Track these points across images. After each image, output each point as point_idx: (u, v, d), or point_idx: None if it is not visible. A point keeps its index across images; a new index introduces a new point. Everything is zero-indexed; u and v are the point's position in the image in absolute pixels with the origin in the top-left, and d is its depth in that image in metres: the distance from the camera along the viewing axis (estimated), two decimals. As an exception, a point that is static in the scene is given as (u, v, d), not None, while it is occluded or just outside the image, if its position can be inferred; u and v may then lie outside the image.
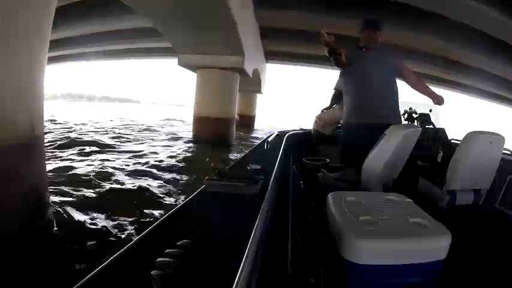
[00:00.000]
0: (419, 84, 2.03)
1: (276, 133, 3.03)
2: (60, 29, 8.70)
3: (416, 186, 1.62)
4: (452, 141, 2.18)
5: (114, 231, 2.75)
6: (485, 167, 1.41)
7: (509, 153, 1.72)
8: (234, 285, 0.41)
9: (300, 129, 3.63)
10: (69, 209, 3.02)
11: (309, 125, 3.72)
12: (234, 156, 7.20)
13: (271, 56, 14.17)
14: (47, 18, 2.20)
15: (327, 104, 3.15)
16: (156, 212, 3.23)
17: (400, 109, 2.06)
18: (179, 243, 0.60)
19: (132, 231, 2.80)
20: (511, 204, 1.52)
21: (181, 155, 6.67)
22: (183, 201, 0.97)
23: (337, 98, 3.01)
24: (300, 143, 3.07)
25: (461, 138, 1.46)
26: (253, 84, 14.37)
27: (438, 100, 1.90)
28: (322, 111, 3.16)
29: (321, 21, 8.59)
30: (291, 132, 3.22)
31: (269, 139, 2.50)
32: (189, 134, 10.00)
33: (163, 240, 0.62)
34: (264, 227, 0.68)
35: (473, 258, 1.09)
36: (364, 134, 1.73)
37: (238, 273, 0.44)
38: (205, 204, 0.95)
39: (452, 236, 0.76)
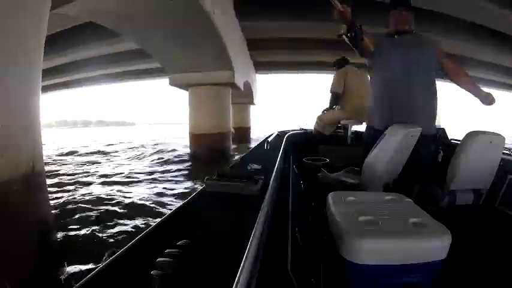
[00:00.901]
0: (463, 76, 1.55)
1: (276, 133, 3.03)
2: (48, 58, 8.76)
3: (416, 186, 1.62)
4: (452, 141, 2.18)
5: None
6: (485, 167, 1.41)
7: (509, 153, 1.72)
8: (234, 285, 0.41)
9: (300, 129, 3.64)
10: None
11: (308, 125, 3.74)
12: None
13: (260, 66, 14.31)
14: (38, 47, 2.13)
15: (325, 106, 3.16)
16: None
17: None
18: (179, 243, 0.60)
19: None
20: (511, 204, 1.52)
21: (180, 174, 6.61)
22: (183, 201, 0.97)
23: (335, 100, 3.02)
24: (300, 143, 3.07)
25: (461, 138, 1.46)
26: (245, 96, 14.44)
27: (489, 100, 1.47)
28: (322, 112, 3.17)
29: (306, 27, 8.69)
30: (291, 132, 3.23)
31: (269, 139, 2.50)
32: (184, 150, 10.00)
33: (163, 240, 0.62)
34: (264, 227, 0.68)
35: (473, 258, 1.09)
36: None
37: (238, 273, 0.44)
38: (205, 204, 0.95)
39: (452, 236, 0.76)
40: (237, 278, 0.42)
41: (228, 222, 0.79)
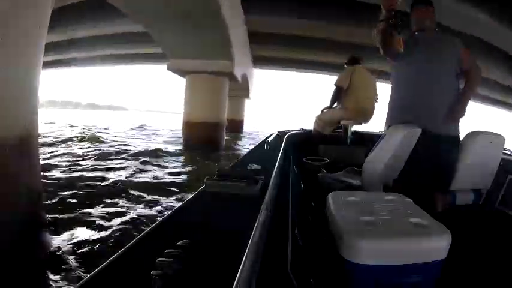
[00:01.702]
0: (477, 84, 1.50)
1: (276, 133, 3.03)
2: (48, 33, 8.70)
3: (416, 186, 1.61)
4: None
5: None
6: (485, 167, 1.41)
7: (509, 153, 1.72)
8: (234, 285, 0.41)
9: (300, 129, 3.64)
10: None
11: (307, 125, 3.73)
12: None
13: (259, 61, 14.28)
14: (43, 24, 2.26)
15: (324, 105, 3.15)
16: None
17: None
18: (179, 243, 0.60)
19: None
20: (511, 204, 1.52)
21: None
22: (183, 201, 0.96)
23: (337, 94, 2.98)
24: (300, 143, 3.07)
25: (461, 138, 1.46)
26: (241, 89, 14.52)
27: (457, 116, 1.47)
28: (322, 111, 3.16)
29: (310, 25, 8.66)
30: (291, 132, 3.22)
31: (269, 139, 2.49)
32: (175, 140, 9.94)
33: (163, 240, 0.62)
34: (264, 227, 0.68)
35: (474, 258, 1.09)
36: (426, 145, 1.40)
37: (238, 273, 0.44)
38: (205, 204, 0.95)
39: (452, 236, 0.76)
40: (237, 278, 0.42)
41: (228, 222, 0.79)
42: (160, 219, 0.80)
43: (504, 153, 1.55)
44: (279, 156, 1.60)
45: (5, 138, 1.94)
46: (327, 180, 1.98)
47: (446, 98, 1.45)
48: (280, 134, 2.91)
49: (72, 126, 14.72)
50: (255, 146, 2.52)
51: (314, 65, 14.09)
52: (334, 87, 2.96)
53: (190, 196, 1.00)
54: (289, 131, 3.30)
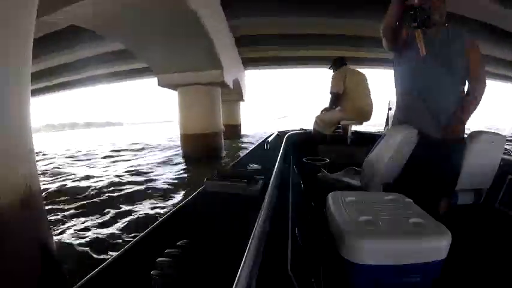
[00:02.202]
0: (482, 95, 1.39)
1: (276, 133, 3.03)
2: (34, 62, 8.67)
3: (416, 186, 1.61)
4: None
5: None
6: (485, 167, 1.41)
7: (509, 153, 1.72)
8: (234, 285, 0.41)
9: (300, 129, 3.64)
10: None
11: (306, 125, 3.74)
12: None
13: (249, 62, 14.27)
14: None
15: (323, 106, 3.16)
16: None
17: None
18: (179, 243, 0.60)
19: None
20: (511, 204, 1.52)
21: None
22: (183, 201, 0.96)
23: (335, 101, 3.01)
24: (300, 143, 3.07)
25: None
26: (235, 94, 14.36)
27: (458, 125, 1.38)
28: (322, 111, 3.17)
29: (296, 23, 8.72)
30: (291, 132, 3.23)
31: (269, 139, 2.50)
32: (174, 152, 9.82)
33: (163, 240, 0.62)
34: (264, 227, 0.68)
35: (474, 258, 1.09)
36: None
37: (238, 273, 0.44)
38: (205, 204, 0.95)
39: (452, 236, 0.76)
40: (237, 278, 0.42)
41: (228, 222, 0.79)
42: (160, 219, 0.80)
43: (504, 153, 1.55)
44: (279, 156, 1.60)
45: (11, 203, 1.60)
46: (327, 180, 1.99)
47: (450, 104, 1.39)
48: (280, 134, 2.92)
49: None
50: (254, 146, 2.52)
51: (303, 60, 14.33)
52: (331, 95, 3.00)
53: (190, 196, 1.00)
54: (289, 131, 3.30)
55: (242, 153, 10.52)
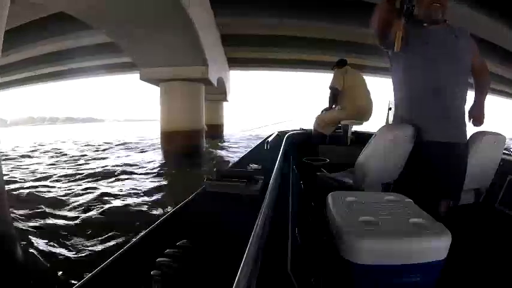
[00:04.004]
0: (489, 82, 1.38)
1: (276, 133, 3.03)
2: (13, 51, 8.50)
3: (416, 186, 1.61)
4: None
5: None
6: (485, 167, 1.41)
7: (509, 153, 1.72)
8: (234, 285, 0.41)
9: (300, 129, 3.64)
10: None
11: (306, 125, 3.74)
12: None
13: (234, 62, 14.16)
14: None
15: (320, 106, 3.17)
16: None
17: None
18: (179, 243, 0.60)
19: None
20: (511, 204, 1.52)
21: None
22: (183, 201, 0.96)
23: (334, 96, 3.02)
24: (300, 143, 3.07)
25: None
26: (218, 93, 14.18)
27: (478, 120, 1.36)
28: (322, 111, 3.18)
29: (284, 24, 8.71)
30: (291, 132, 3.23)
31: (269, 139, 2.50)
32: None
33: (163, 240, 0.62)
34: (264, 227, 0.68)
35: (474, 258, 1.09)
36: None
37: (238, 273, 0.44)
38: (205, 204, 0.95)
39: (452, 236, 0.76)
40: (237, 278, 0.42)
41: (228, 222, 0.79)
42: (160, 219, 0.80)
43: (504, 153, 1.56)
44: (279, 156, 1.60)
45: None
46: (327, 180, 1.98)
47: (457, 103, 1.32)
48: (280, 134, 2.92)
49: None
50: (254, 146, 2.52)
51: (288, 64, 14.42)
52: (330, 90, 3.01)
53: (190, 196, 1.00)
54: (289, 131, 3.30)
55: (223, 152, 10.09)
